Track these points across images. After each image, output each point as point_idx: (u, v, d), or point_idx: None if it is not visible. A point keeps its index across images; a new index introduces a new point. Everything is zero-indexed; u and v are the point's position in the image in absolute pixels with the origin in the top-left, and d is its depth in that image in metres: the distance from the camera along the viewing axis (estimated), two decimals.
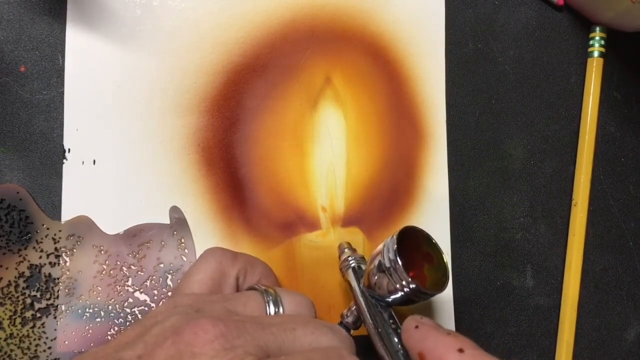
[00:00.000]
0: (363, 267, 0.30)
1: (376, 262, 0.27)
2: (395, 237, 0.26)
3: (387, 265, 0.26)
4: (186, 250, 0.33)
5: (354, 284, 0.29)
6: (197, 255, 0.32)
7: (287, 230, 0.33)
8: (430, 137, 0.35)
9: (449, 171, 0.34)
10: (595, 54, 0.35)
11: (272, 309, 0.25)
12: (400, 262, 0.25)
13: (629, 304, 0.35)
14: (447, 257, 0.28)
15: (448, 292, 0.34)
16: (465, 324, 0.34)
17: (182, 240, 0.33)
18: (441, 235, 0.34)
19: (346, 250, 0.31)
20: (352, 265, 0.30)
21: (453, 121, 0.35)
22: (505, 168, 0.35)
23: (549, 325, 0.34)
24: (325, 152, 0.34)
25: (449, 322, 0.33)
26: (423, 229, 0.27)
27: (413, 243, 0.27)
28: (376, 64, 0.35)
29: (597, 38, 0.35)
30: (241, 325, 0.21)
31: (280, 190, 0.33)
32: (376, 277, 0.27)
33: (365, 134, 0.34)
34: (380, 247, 0.27)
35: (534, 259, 0.35)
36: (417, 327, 0.23)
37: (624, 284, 0.35)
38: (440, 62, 0.35)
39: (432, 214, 0.34)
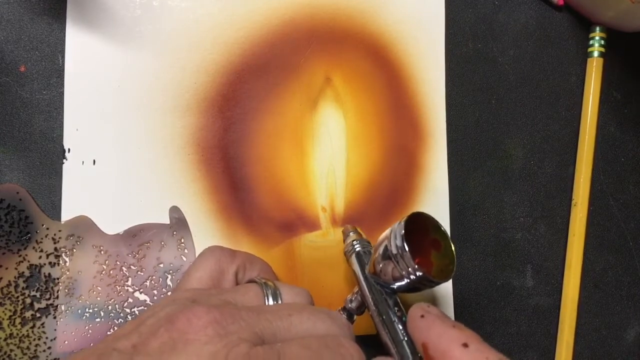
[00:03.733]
0: (368, 251, 0.29)
1: (382, 248, 0.26)
2: (402, 222, 0.25)
3: (394, 251, 0.25)
4: (186, 250, 0.33)
5: (358, 269, 0.28)
6: (196, 255, 0.32)
7: (287, 230, 0.33)
8: (430, 137, 0.34)
9: (449, 171, 0.34)
10: (595, 54, 0.35)
11: (271, 302, 0.25)
12: (407, 249, 0.25)
13: (629, 304, 0.35)
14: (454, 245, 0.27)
15: (448, 291, 0.34)
16: (465, 324, 0.33)
17: (182, 240, 0.33)
18: None
19: (351, 234, 0.31)
20: (357, 249, 0.29)
21: (453, 121, 0.35)
22: (505, 168, 0.35)
23: (549, 325, 0.34)
24: (325, 152, 0.34)
25: None
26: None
27: (420, 229, 0.26)
28: (376, 64, 0.35)
29: (597, 38, 0.35)
30: (236, 312, 0.21)
31: (280, 190, 0.33)
32: (382, 264, 0.26)
33: (365, 134, 0.34)
34: (387, 232, 0.26)
35: (534, 259, 0.35)
36: (422, 316, 0.23)
37: (624, 284, 0.35)
38: (440, 62, 0.35)
39: (432, 214, 0.33)
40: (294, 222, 0.33)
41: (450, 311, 0.33)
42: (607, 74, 0.36)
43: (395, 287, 0.26)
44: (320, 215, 0.33)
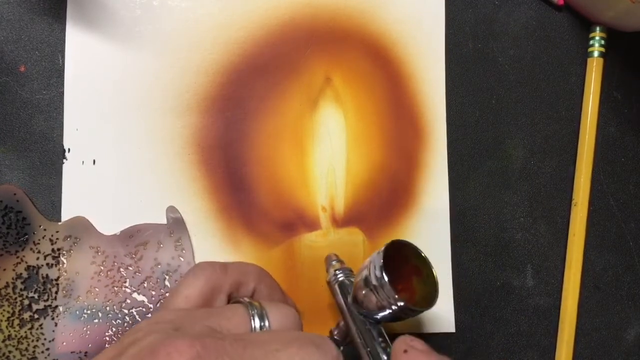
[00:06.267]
0: (351, 280, 0.29)
1: (362, 279, 0.26)
2: (381, 252, 0.25)
3: (374, 282, 0.25)
4: (184, 251, 0.32)
5: (341, 299, 0.28)
6: (195, 256, 0.32)
7: (287, 230, 0.33)
8: (430, 137, 0.34)
9: (449, 171, 0.34)
10: (595, 54, 0.35)
11: (257, 323, 0.24)
12: (387, 279, 0.24)
13: (629, 304, 0.35)
14: (437, 271, 0.26)
15: (448, 292, 0.34)
16: (466, 324, 0.34)
17: (180, 241, 0.32)
18: (441, 235, 0.34)
19: (334, 262, 0.30)
20: (340, 279, 0.29)
21: (453, 121, 0.35)
22: (505, 168, 0.35)
23: (549, 325, 0.34)
24: (325, 152, 0.34)
25: (449, 322, 0.33)
26: (409, 241, 0.27)
27: (401, 256, 0.26)
28: (376, 64, 0.35)
29: (597, 38, 0.35)
30: (220, 346, 0.21)
31: (280, 190, 0.33)
32: (363, 293, 0.26)
33: (365, 134, 0.34)
34: (366, 262, 0.26)
35: (534, 259, 0.35)
36: (405, 351, 0.22)
37: (624, 284, 0.35)
38: (440, 62, 0.35)
39: (432, 214, 0.34)
40: (294, 222, 0.33)
41: (451, 311, 0.33)
42: (607, 74, 0.36)
43: (378, 317, 0.26)
44: (320, 215, 0.33)
